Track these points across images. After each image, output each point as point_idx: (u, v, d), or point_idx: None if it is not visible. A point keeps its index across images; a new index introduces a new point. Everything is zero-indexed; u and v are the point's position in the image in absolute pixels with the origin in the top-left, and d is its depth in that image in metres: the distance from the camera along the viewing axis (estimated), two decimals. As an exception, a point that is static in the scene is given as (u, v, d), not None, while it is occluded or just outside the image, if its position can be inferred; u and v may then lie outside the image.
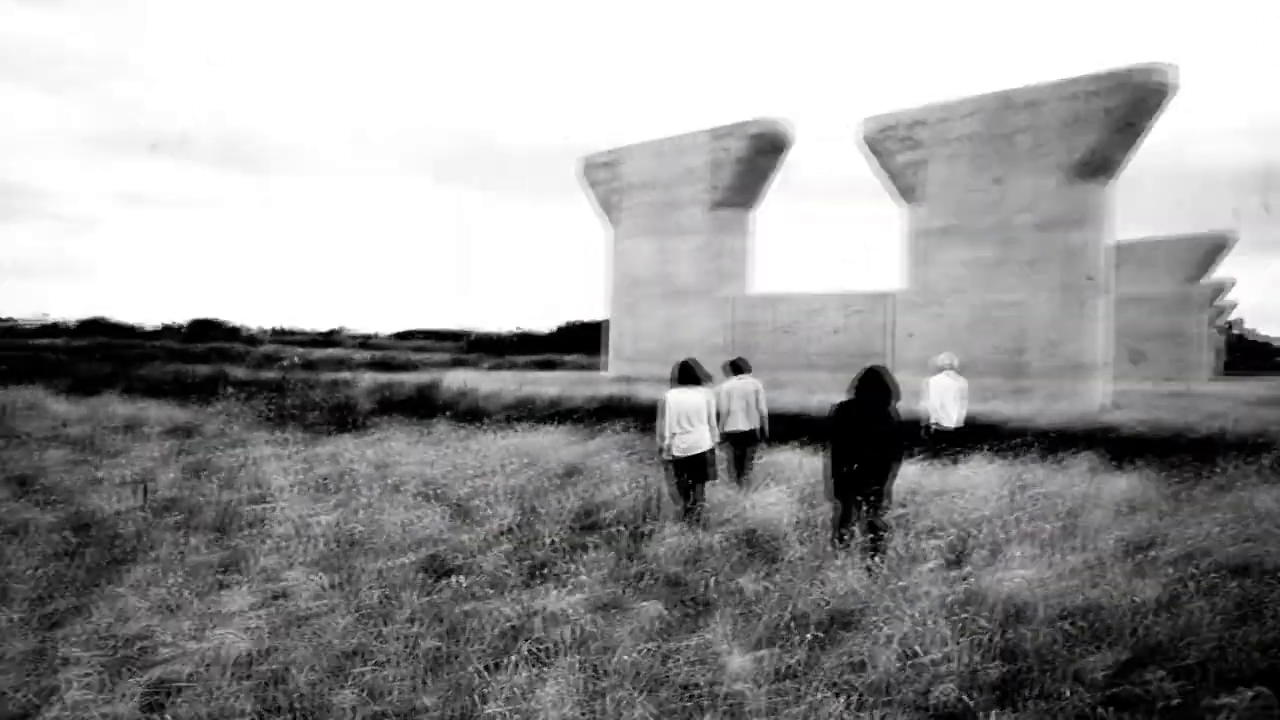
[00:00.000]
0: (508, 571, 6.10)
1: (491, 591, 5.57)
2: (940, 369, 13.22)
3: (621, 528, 7.33)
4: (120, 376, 28.16)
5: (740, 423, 11.51)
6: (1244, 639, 5.19)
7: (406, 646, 4.64)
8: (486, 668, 4.43)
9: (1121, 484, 10.22)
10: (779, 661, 4.63)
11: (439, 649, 4.66)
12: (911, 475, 10.95)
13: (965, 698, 4.32)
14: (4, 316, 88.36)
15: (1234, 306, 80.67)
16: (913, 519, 7.93)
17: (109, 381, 25.58)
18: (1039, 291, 28.43)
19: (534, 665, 4.45)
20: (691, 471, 9.46)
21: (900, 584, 5.56)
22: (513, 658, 4.41)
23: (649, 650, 4.64)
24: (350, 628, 4.76)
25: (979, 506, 8.35)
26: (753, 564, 6.80)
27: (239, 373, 31.51)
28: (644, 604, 5.43)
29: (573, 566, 6.25)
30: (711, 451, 9.64)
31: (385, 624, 4.89)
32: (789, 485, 10.00)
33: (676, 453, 9.49)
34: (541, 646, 4.66)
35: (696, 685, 4.38)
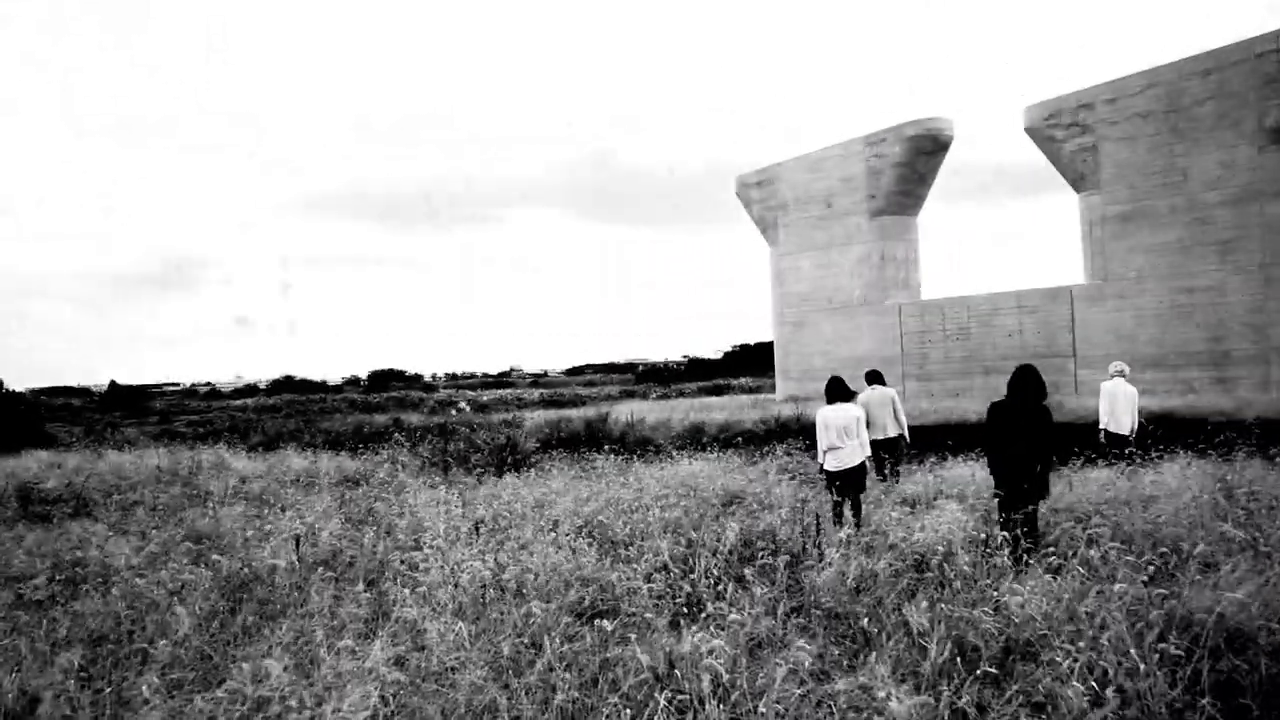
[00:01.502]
0: (655, 613, 5.78)
1: (635, 636, 5.26)
2: (1112, 375, 12.52)
3: (778, 558, 6.90)
4: (303, 431, 29.55)
5: (884, 431, 12.33)
6: None
7: (540, 700, 4.39)
8: (623, 721, 4.13)
9: (1351, 478, 9.09)
10: (947, 704, 4.14)
11: (575, 701, 4.39)
12: (1101, 480, 10.13)
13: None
14: (204, 381, 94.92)
15: None
16: (1103, 531, 7.16)
17: (293, 436, 26.87)
18: (1237, 273, 26.29)
19: (675, 715, 4.12)
20: (846, 485, 9.89)
21: (1087, 608, 4.93)
22: (648, 709, 4.09)
23: (800, 696, 4.22)
24: (482, 682, 4.54)
25: (1180, 514, 7.52)
26: (922, 590, 6.26)
27: (414, 419, 32.53)
28: (799, 641, 5.01)
29: (725, 605, 5.87)
30: (863, 465, 10.11)
31: (520, 676, 4.66)
32: (962, 501, 9.33)
33: (830, 467, 10.02)
34: (683, 695, 4.32)
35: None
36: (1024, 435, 7.94)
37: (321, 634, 5.25)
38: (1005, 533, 7.36)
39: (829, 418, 10.07)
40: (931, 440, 18.95)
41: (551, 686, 4.55)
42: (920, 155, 34.98)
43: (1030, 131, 31.44)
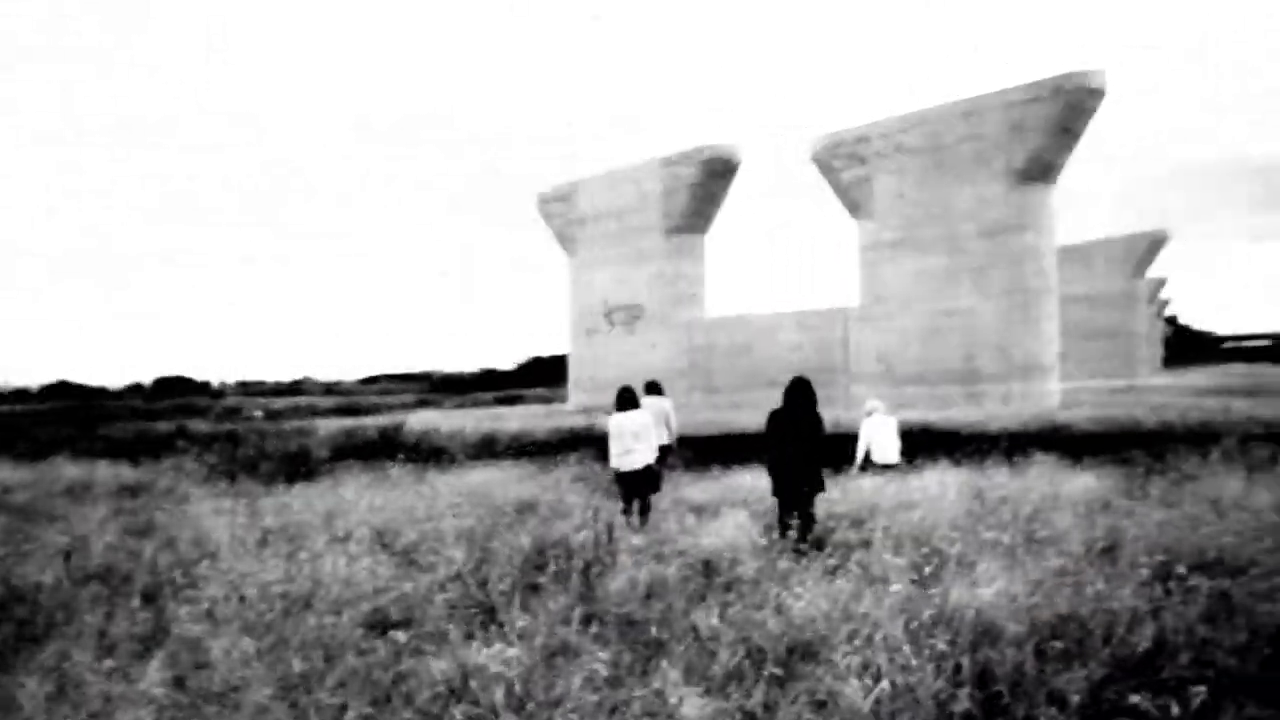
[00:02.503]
0: (450, 624, 5.77)
1: (431, 648, 5.24)
2: (869, 413, 13.31)
3: (573, 565, 7.03)
4: (79, 438, 27.42)
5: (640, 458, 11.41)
6: (1221, 643, 5.00)
7: (330, 719, 4.31)
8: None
9: (1079, 483, 10.11)
10: (737, 706, 4.37)
11: (367, 717, 4.33)
12: (869, 489, 10.82)
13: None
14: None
15: (1169, 302, 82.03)
16: (875, 536, 7.70)
17: (67, 444, 24.88)
18: (987, 298, 28.57)
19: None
20: (637, 486, 10.74)
21: (863, 609, 5.32)
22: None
23: (595, 704, 4.35)
24: (267, 701, 4.41)
25: (941, 518, 8.16)
26: (711, 595, 6.54)
27: (201, 427, 30.81)
28: (593, 649, 5.15)
29: (520, 613, 5.94)
30: (651, 467, 10.86)
31: (309, 693, 4.55)
32: (747, 507, 9.76)
33: (623, 469, 10.81)
34: (479, 709, 4.35)
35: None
36: (798, 439, 8.85)
37: (89, 655, 4.97)
38: (786, 524, 8.23)
39: (621, 423, 10.97)
40: (716, 450, 19.63)
41: (342, 705, 4.47)
42: (712, 177, 36.20)
43: (815, 160, 33.12)
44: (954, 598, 5.52)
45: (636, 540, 8.04)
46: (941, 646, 4.61)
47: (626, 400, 11.23)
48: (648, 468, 10.79)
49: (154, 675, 4.48)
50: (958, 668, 4.60)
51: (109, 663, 4.67)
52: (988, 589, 5.64)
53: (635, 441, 10.82)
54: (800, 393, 9.10)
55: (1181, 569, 5.86)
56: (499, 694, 4.28)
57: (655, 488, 10.92)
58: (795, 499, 8.64)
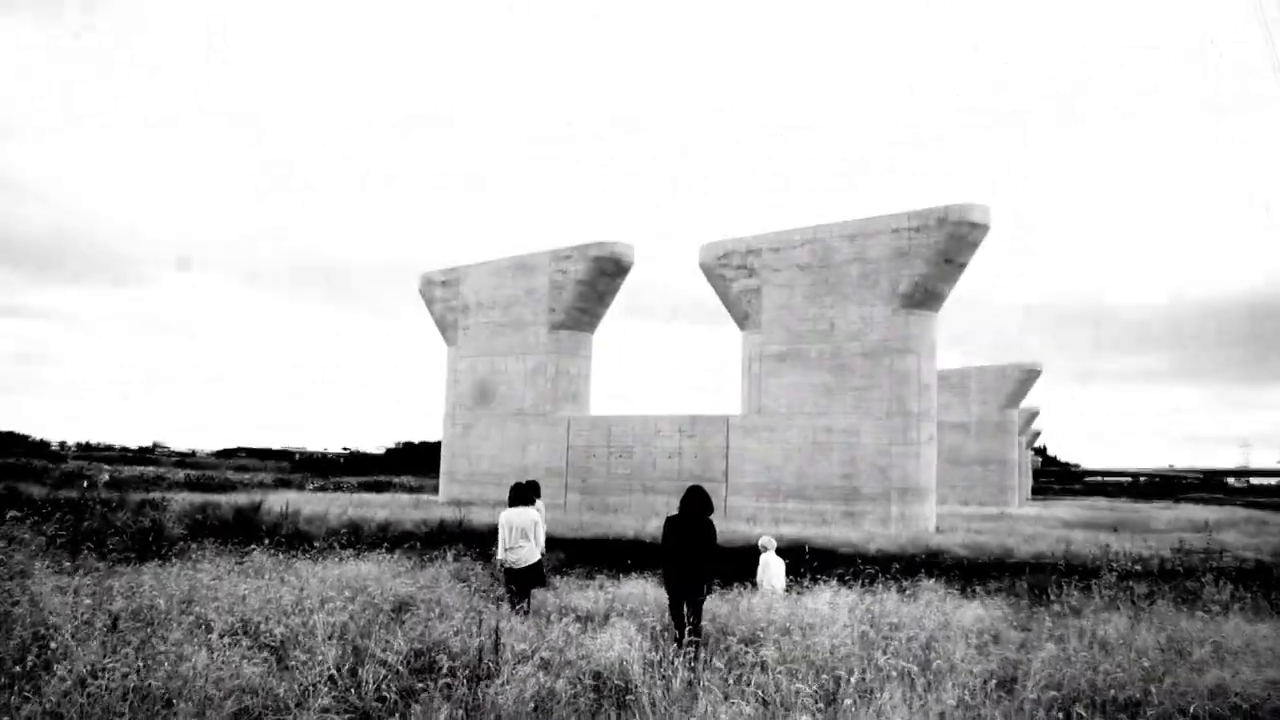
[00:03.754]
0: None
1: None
2: (763, 549, 13.42)
3: (456, 671, 6.59)
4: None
5: (524, 557, 11.33)
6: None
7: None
8: None
9: (970, 613, 10.13)
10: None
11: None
12: (760, 608, 10.63)
13: None
14: None
15: (1039, 433, 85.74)
16: (770, 657, 7.48)
17: None
18: (868, 417, 29.17)
19: None
20: (522, 581, 11.11)
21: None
22: None
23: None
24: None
25: (835, 643, 8.01)
26: (602, 710, 6.19)
27: (35, 491, 28.79)
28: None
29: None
30: (540, 563, 11.36)
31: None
32: (636, 619, 9.44)
33: (510, 564, 11.15)
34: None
35: None
36: (692, 542, 9.47)
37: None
38: (680, 625, 9.05)
39: (511, 519, 11.30)
40: (597, 554, 19.24)
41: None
42: (602, 275, 36.41)
43: (704, 268, 33.66)
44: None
45: (522, 647, 7.65)
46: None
47: (519, 496, 11.63)
48: (536, 564, 11.23)
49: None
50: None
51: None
52: (894, 721, 5.47)
53: (524, 539, 11.21)
54: (694, 499, 9.86)
55: (1080, 709, 5.82)
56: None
57: (541, 583, 11.43)
58: (686, 596, 9.23)
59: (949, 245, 28.21)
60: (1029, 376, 58.39)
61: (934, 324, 29.65)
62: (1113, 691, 6.90)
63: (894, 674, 6.83)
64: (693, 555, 9.40)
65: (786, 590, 13.08)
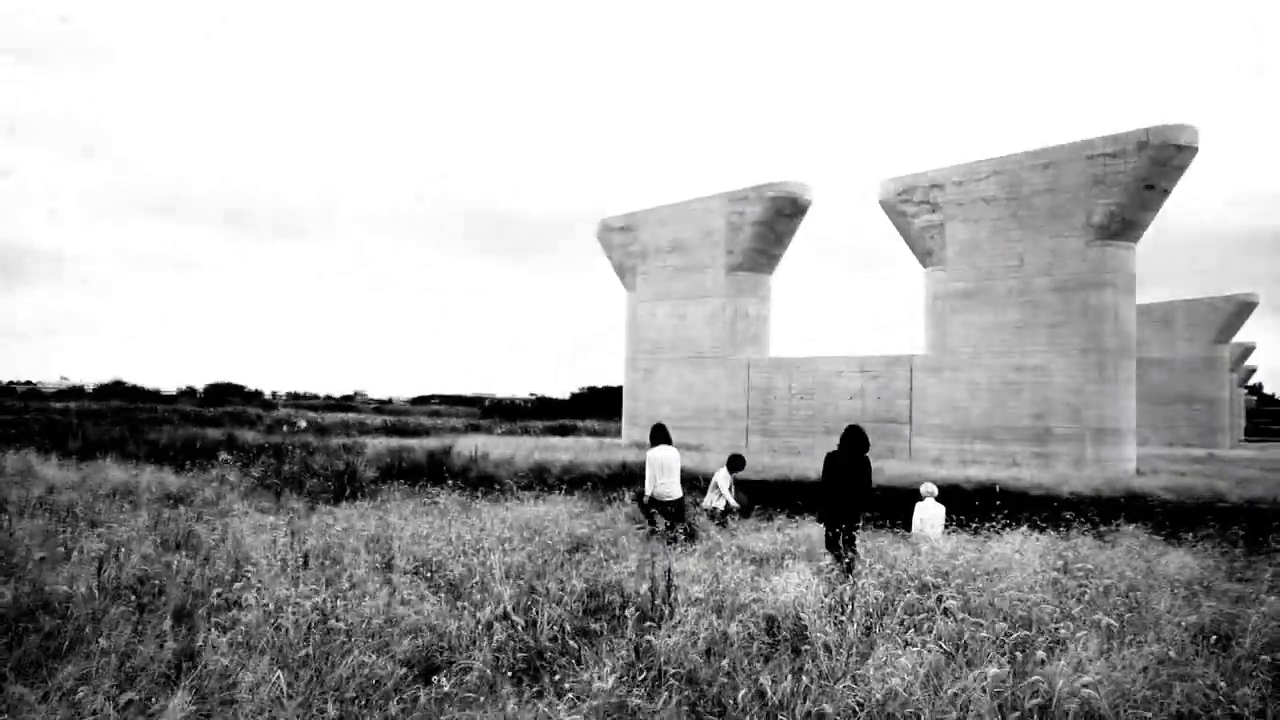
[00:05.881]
0: (496, 669, 5.34)
1: (473, 696, 4.80)
2: (924, 497, 12.86)
3: (628, 612, 6.56)
4: (128, 440, 27.53)
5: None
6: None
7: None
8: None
9: (1175, 561, 9.41)
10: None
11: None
12: (945, 550, 10.23)
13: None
14: (25, 380, 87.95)
15: (1254, 370, 79.32)
16: (952, 604, 7.11)
17: (115, 445, 24.94)
18: (1061, 355, 27.67)
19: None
20: (670, 513, 12.12)
21: (950, 689, 4.78)
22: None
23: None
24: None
25: (1026, 589, 7.56)
26: (776, 656, 6.03)
27: (249, 436, 30.88)
28: (655, 709, 4.69)
29: (571, 663, 5.49)
30: (683, 498, 12.52)
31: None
32: (810, 560, 9.22)
33: (658, 497, 12.18)
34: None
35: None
36: (847, 479, 10.09)
37: (110, 681, 4.60)
38: (830, 553, 9.69)
39: (657, 457, 12.38)
40: (772, 495, 19.04)
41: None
42: (779, 216, 35.74)
43: (884, 204, 32.53)
44: (1051, 683, 4.95)
45: (695, 589, 7.56)
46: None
47: (660, 435, 12.76)
48: (681, 498, 12.47)
49: (175, 710, 4.08)
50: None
51: (128, 695, 4.31)
52: (1090, 676, 5.07)
53: (668, 474, 12.29)
54: (850, 438, 10.46)
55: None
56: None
57: (683, 517, 12.35)
58: (840, 528, 9.81)
59: (1150, 171, 26.19)
60: (1242, 309, 53.94)
61: (1132, 256, 27.72)
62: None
63: (1089, 624, 6.38)
64: (848, 491, 10.02)
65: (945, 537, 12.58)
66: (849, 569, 8.98)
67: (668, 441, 12.65)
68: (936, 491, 13.28)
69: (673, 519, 11.99)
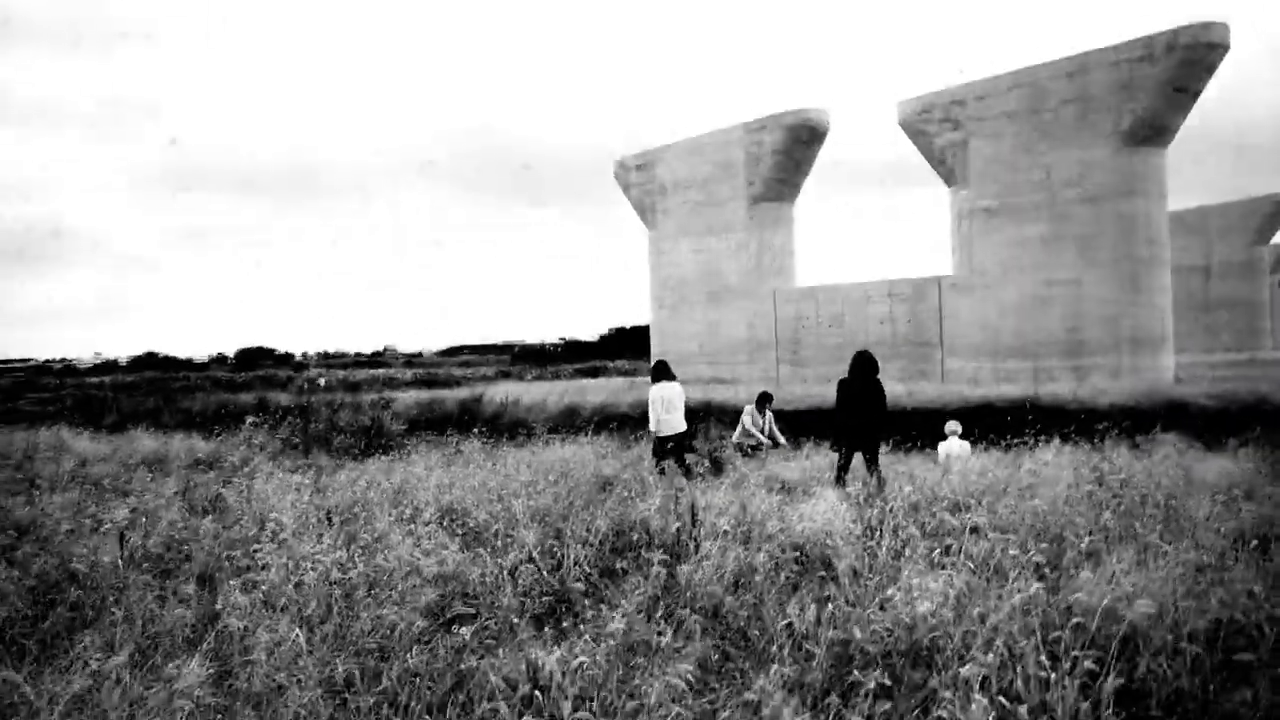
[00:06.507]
0: (520, 614, 5.28)
1: (496, 642, 4.74)
2: (949, 435, 12.66)
3: (653, 551, 6.48)
4: (160, 410, 27.80)
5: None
6: None
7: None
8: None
9: (1214, 467, 9.20)
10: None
11: (423, 724, 3.85)
12: (975, 467, 10.09)
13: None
14: (59, 358, 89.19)
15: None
16: (982, 523, 6.96)
17: (148, 416, 25.19)
18: (1092, 267, 27.19)
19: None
20: (674, 448, 12.09)
21: (978, 609, 4.65)
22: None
23: (682, 717, 3.78)
24: (311, 707, 3.95)
25: (1058, 502, 7.40)
26: (805, 585, 5.92)
27: (282, 398, 31.06)
28: (679, 646, 4.60)
29: (595, 603, 5.42)
30: (685, 432, 12.61)
31: (358, 697, 4.08)
32: (841, 490, 9.09)
33: (662, 433, 12.28)
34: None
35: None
36: (862, 403, 10.29)
37: (134, 644, 4.57)
38: (843, 479, 9.99)
39: (659, 393, 12.43)
40: (804, 425, 18.90)
41: (394, 714, 3.96)
42: (798, 144, 35.18)
43: (904, 125, 31.90)
44: (1084, 595, 4.81)
45: (721, 521, 7.46)
46: (1091, 665, 3.90)
47: (662, 372, 12.72)
48: (684, 432, 12.52)
49: (192, 676, 4.03)
50: (1101, 683, 3.91)
51: (160, 652, 4.28)
52: (1123, 586, 4.91)
53: (671, 410, 12.35)
54: (865, 363, 10.56)
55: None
56: (566, 708, 3.72)
57: (690, 450, 12.48)
58: (854, 452, 10.25)
59: (1179, 72, 25.42)
60: (1278, 210, 52.75)
61: (1162, 161, 27.06)
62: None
63: (1125, 535, 6.22)
64: (866, 416, 10.21)
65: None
66: (880, 486, 9.07)
67: (670, 377, 12.68)
68: (960, 429, 13.11)
69: (678, 454, 11.97)
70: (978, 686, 3.80)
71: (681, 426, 12.43)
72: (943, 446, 12.92)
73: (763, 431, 15.16)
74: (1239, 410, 17.57)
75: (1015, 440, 12.80)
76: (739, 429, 15.14)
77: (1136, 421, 14.93)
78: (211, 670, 4.30)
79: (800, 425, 19.01)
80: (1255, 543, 5.91)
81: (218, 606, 5.33)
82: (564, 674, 3.96)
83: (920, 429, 16.57)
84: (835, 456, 10.76)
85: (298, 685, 4.11)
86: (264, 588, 5.69)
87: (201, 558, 6.76)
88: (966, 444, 12.97)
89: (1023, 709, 3.59)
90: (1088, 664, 3.80)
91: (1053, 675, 3.78)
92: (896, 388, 24.90)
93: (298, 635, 4.64)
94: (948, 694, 3.78)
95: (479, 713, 3.87)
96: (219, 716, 3.91)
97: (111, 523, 7.78)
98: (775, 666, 4.15)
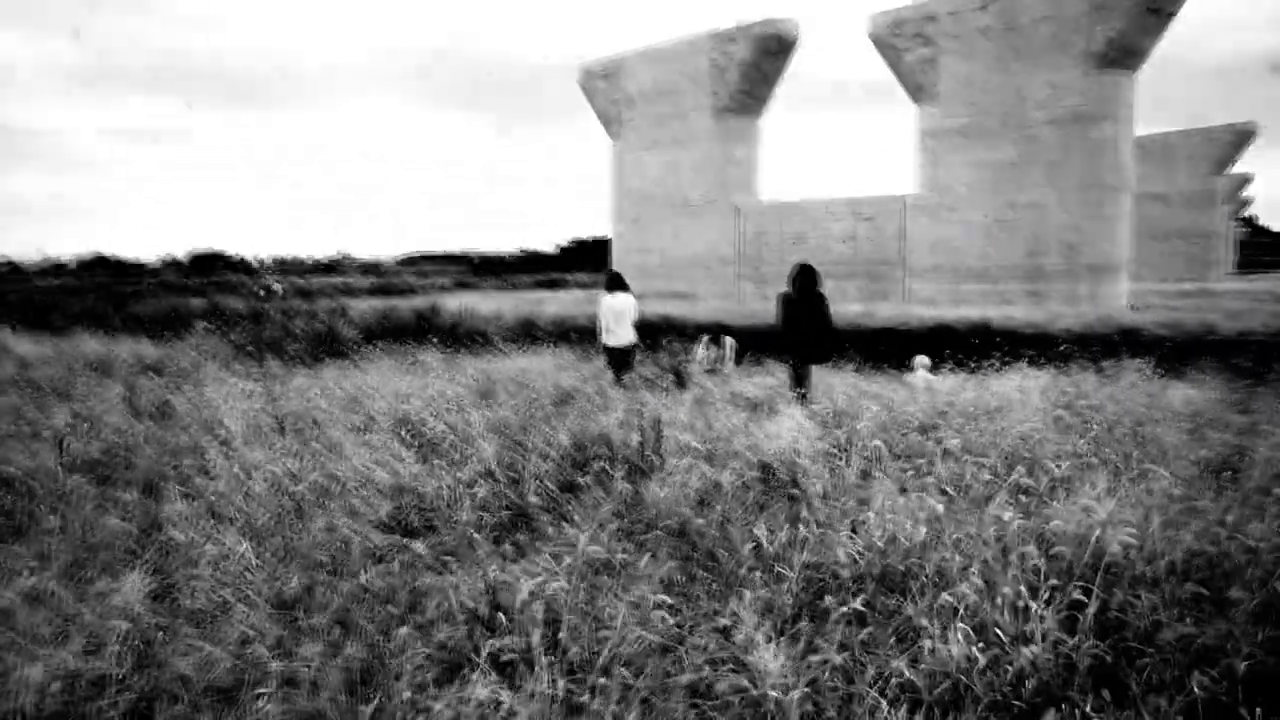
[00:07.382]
0: (478, 529, 5.08)
1: (454, 560, 4.55)
2: (916, 369, 12.51)
3: (615, 466, 6.30)
4: (109, 314, 27.06)
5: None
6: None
7: (328, 650, 3.62)
8: (432, 682, 3.42)
9: (1179, 395, 9.19)
10: (811, 648, 3.64)
11: (374, 648, 3.65)
12: (945, 390, 10.02)
13: (1062, 694, 3.34)
14: (3, 260, 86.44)
15: (1251, 201, 78.11)
16: (953, 445, 6.86)
17: (96, 319, 24.48)
18: (1056, 191, 27.08)
19: (498, 673, 3.45)
20: (618, 361, 12.10)
21: (954, 534, 4.54)
22: (465, 671, 3.40)
23: (649, 643, 3.63)
24: (259, 627, 3.74)
25: (1026, 428, 7.32)
26: (771, 503, 5.79)
27: (235, 304, 30.41)
28: (643, 564, 4.43)
29: (556, 520, 5.24)
30: (633, 346, 12.43)
31: (309, 616, 3.88)
32: (807, 407, 8.96)
33: (608, 345, 12.20)
34: (511, 648, 3.63)
35: (712, 688, 3.40)
36: (806, 317, 10.32)
37: (70, 556, 4.33)
38: (795, 391, 10.05)
39: (610, 304, 12.26)
40: (765, 343, 18.77)
41: (344, 635, 3.76)
42: (766, 55, 34.45)
43: (874, 39, 31.30)
44: (1061, 524, 4.70)
45: (686, 438, 7.29)
46: (1077, 596, 3.79)
47: (615, 283, 12.52)
48: (631, 346, 12.35)
49: (130, 590, 3.80)
50: (1073, 612, 3.80)
51: (97, 565, 4.04)
52: (1098, 514, 4.81)
53: (619, 323, 12.16)
54: (801, 276, 10.53)
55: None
56: (536, 636, 3.54)
57: (631, 365, 12.29)
58: (804, 365, 10.25)
59: (1154, -9, 25.04)
60: (1240, 139, 52.73)
61: (1131, 86, 26.82)
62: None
63: (1096, 461, 6.15)
64: (810, 329, 10.23)
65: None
66: (804, 399, 9.52)
67: (624, 288, 12.47)
68: (930, 364, 12.96)
69: (622, 366, 11.95)
70: (958, 616, 3.67)
71: (628, 339, 12.26)
72: (910, 380, 12.82)
73: (718, 361, 14.91)
74: (1187, 339, 17.69)
75: (978, 364, 12.74)
76: (700, 350, 14.95)
77: (1086, 347, 14.94)
78: (152, 585, 4.07)
79: (762, 343, 18.87)
80: (1230, 473, 5.85)
81: (161, 516, 5.08)
82: (531, 595, 3.77)
83: (886, 351, 16.50)
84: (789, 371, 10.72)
85: (244, 603, 3.89)
86: (210, 496, 5.45)
87: (145, 465, 6.49)
88: (934, 378, 12.88)
89: (1005, 639, 3.47)
90: (1075, 594, 3.68)
91: (1033, 605, 3.66)
92: (855, 307, 24.84)
93: (245, 548, 4.42)
94: (925, 622, 3.65)
95: (438, 638, 3.68)
96: (160, 634, 3.69)
97: (50, 428, 7.47)
98: (747, 592, 4.00)
